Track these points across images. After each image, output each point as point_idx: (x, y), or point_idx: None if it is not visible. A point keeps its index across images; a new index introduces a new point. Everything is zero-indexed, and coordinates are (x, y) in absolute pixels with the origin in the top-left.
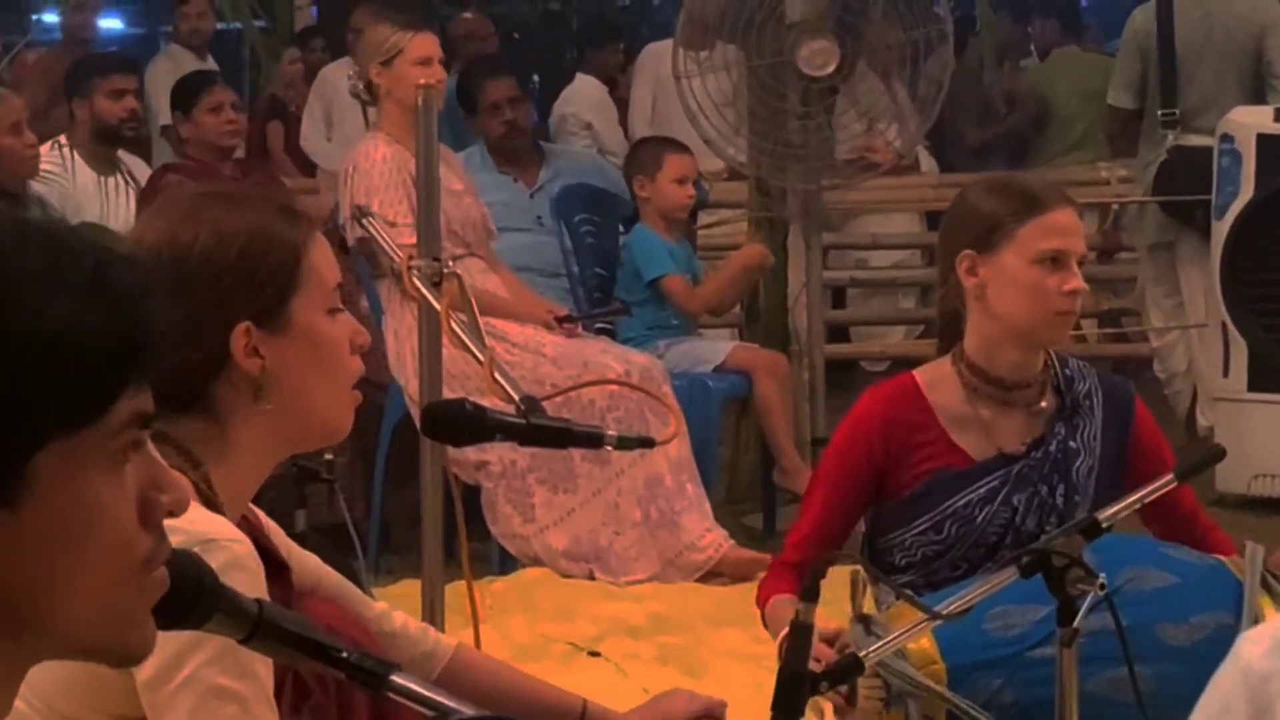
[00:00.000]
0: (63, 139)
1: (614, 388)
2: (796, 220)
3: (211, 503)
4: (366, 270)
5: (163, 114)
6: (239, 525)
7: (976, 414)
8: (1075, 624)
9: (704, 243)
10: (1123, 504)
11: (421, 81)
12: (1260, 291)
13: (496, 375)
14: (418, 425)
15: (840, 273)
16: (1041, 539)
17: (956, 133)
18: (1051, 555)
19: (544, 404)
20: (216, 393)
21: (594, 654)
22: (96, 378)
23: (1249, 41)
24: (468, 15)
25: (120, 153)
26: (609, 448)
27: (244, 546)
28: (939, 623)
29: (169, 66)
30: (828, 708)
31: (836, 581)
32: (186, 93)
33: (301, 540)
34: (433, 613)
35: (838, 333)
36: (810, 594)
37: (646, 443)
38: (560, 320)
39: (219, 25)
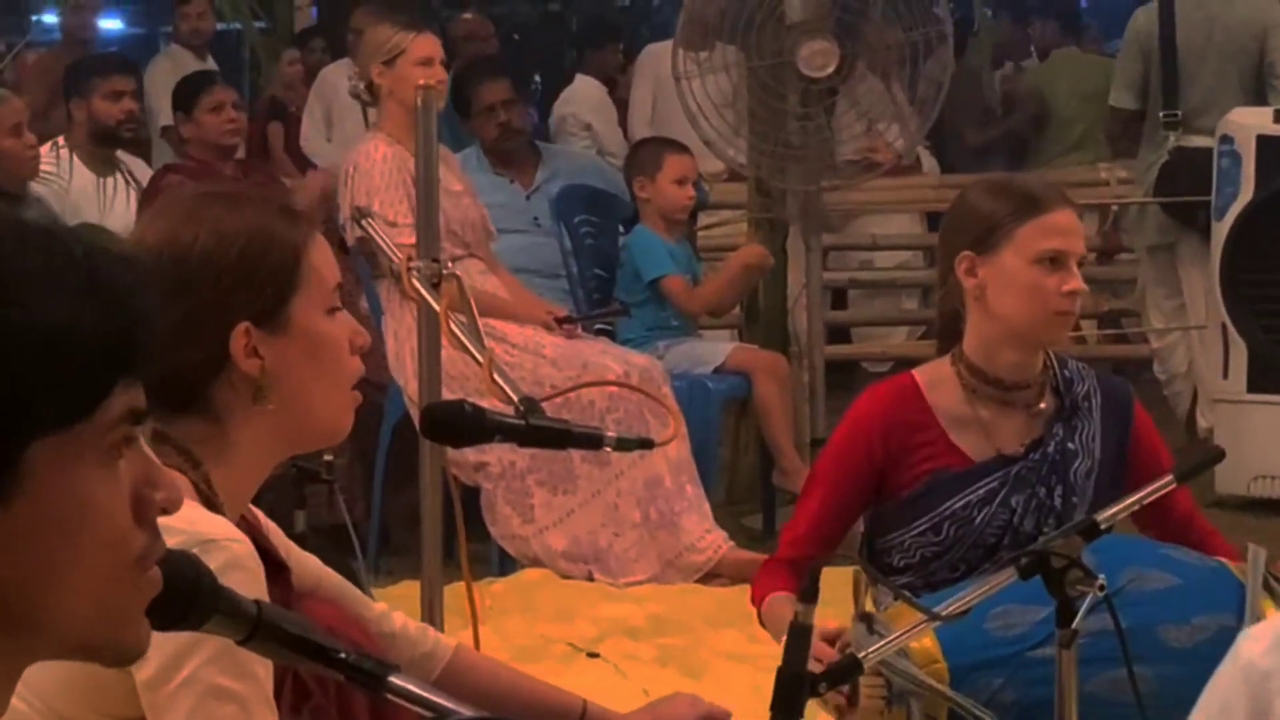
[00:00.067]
0: (61, 140)
1: (613, 389)
2: (796, 221)
3: (211, 503)
4: (366, 271)
5: (163, 115)
6: (238, 525)
7: (976, 415)
8: (1074, 625)
9: (704, 244)
10: (1121, 505)
11: (421, 82)
12: (1260, 293)
13: (496, 376)
14: (417, 426)
15: (840, 274)
16: (1040, 540)
17: (957, 133)
18: (1050, 556)
19: (543, 405)
20: (216, 393)
21: (593, 655)
22: (89, 373)
23: (1251, 42)
24: (467, 16)
25: (120, 153)
26: (608, 449)
27: (244, 547)
28: (938, 624)
29: (169, 67)
30: None
31: (837, 581)
32: (188, 92)
33: (301, 541)
34: (432, 614)
35: (839, 334)
36: (809, 595)
37: (646, 444)
38: (560, 321)
39: (219, 26)
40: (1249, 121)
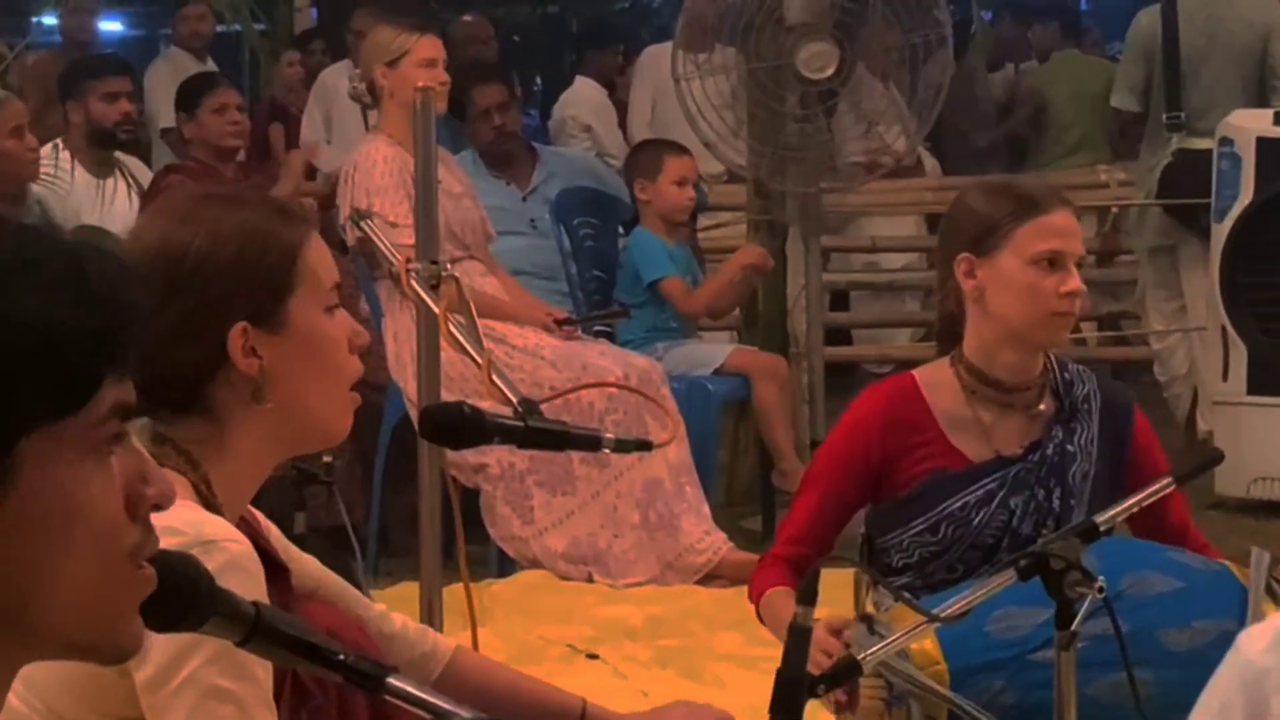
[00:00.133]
0: (61, 142)
1: (613, 390)
2: (795, 223)
3: (210, 504)
4: (365, 272)
5: (163, 117)
6: (238, 527)
7: (975, 416)
8: (1073, 627)
9: (703, 245)
10: (1121, 507)
11: (424, 83)
12: (1260, 295)
13: (495, 378)
14: (416, 428)
15: (839, 275)
16: (1039, 542)
17: (958, 136)
18: (1050, 558)
19: (542, 406)
20: (214, 393)
21: (592, 656)
22: (75, 367)
23: (1254, 44)
24: (467, 18)
25: (120, 155)
26: (607, 450)
27: (243, 548)
28: (938, 625)
29: (169, 69)
30: None
31: (836, 582)
32: (192, 93)
33: (300, 542)
34: (431, 615)
35: (840, 336)
36: (807, 597)
37: (645, 445)
38: (559, 323)
39: (219, 28)
40: (1249, 124)
